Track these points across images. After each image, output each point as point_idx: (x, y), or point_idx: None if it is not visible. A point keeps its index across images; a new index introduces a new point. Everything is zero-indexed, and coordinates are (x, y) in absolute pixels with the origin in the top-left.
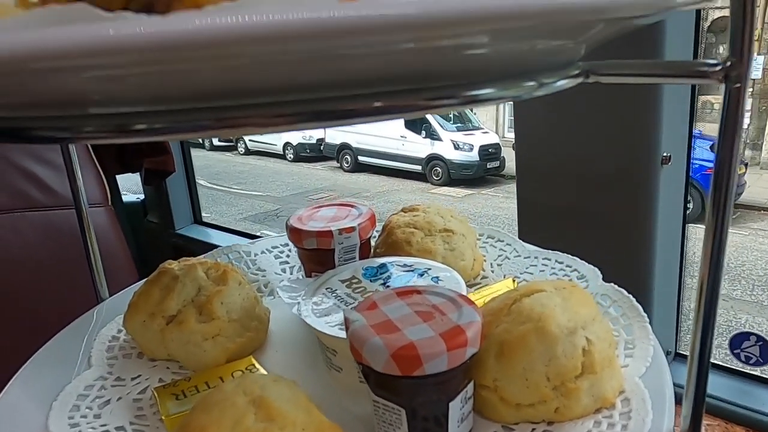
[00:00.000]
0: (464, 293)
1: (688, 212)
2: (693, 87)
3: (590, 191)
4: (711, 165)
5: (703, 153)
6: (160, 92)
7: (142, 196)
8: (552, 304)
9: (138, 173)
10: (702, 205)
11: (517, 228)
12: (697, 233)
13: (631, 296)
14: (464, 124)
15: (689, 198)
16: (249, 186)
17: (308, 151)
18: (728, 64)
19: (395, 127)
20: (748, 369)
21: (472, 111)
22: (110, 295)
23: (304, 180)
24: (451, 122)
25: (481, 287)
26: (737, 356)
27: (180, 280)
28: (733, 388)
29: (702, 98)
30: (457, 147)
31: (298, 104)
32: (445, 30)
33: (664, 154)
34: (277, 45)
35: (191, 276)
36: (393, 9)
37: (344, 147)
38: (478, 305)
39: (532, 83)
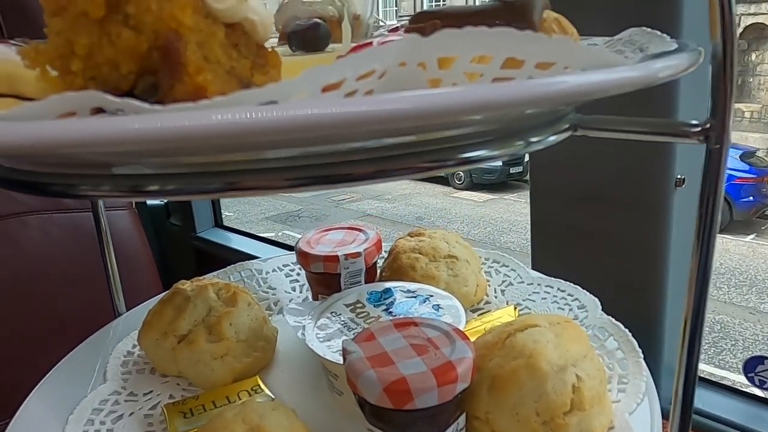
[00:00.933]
0: (463, 323)
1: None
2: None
3: (603, 214)
4: (740, 174)
5: (731, 162)
6: (174, 161)
7: (165, 200)
8: (544, 340)
9: None
10: (730, 214)
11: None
12: (723, 244)
13: (627, 330)
14: None
15: None
16: None
17: None
18: (708, 126)
19: None
20: (762, 393)
21: None
22: (130, 301)
23: None
24: None
25: (483, 312)
26: (751, 380)
27: (192, 300)
28: (747, 412)
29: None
30: None
31: (301, 169)
32: (437, 119)
33: (678, 176)
34: (289, 135)
35: (202, 297)
36: (391, 104)
37: None
38: (473, 337)
39: (521, 143)
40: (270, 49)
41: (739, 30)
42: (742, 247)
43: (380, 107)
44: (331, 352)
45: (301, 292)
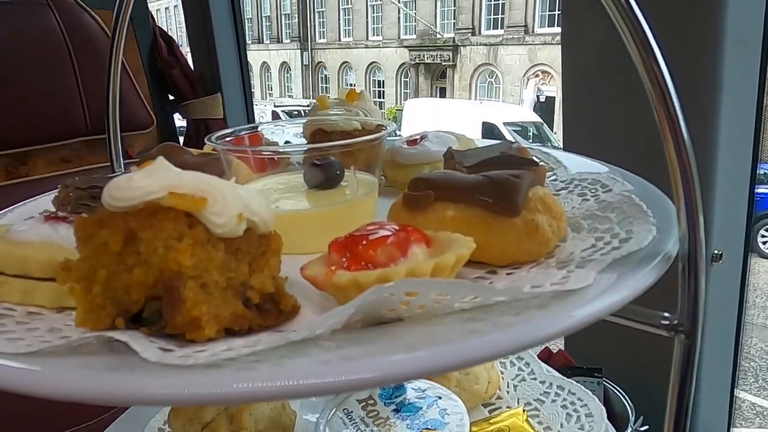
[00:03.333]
0: (467, 428)
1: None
2: (753, 173)
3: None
4: None
5: None
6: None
7: None
8: None
9: None
10: None
11: None
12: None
13: None
14: (543, 143)
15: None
16: None
17: None
18: (676, 322)
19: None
20: None
21: (552, 130)
22: None
23: None
24: (530, 140)
25: (494, 409)
26: None
27: None
28: None
29: None
30: None
31: None
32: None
33: (715, 252)
34: (293, 397)
35: None
36: (367, 372)
37: None
38: None
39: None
40: (272, 233)
41: None
42: None
43: (360, 375)
44: None
45: None
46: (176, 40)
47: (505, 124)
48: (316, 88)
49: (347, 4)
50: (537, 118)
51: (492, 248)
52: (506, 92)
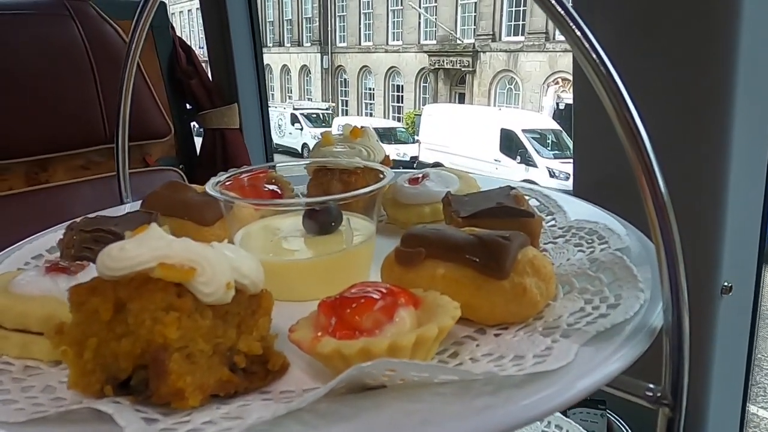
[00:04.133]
0: None
1: None
2: (765, 203)
3: None
4: None
5: None
6: None
7: None
8: None
9: None
10: None
11: None
12: None
13: None
14: (562, 151)
15: None
16: None
17: (401, 168)
18: (659, 395)
19: (490, 150)
20: None
21: (570, 137)
22: None
23: None
24: (549, 148)
25: None
26: None
27: None
28: None
29: None
30: (552, 175)
31: None
32: None
33: (725, 284)
34: None
35: None
36: None
37: (437, 166)
38: None
39: None
40: (263, 292)
41: None
42: None
43: None
44: None
45: None
46: (195, 44)
47: (523, 131)
48: (335, 91)
49: (368, 9)
50: (556, 126)
51: (481, 308)
52: (526, 99)
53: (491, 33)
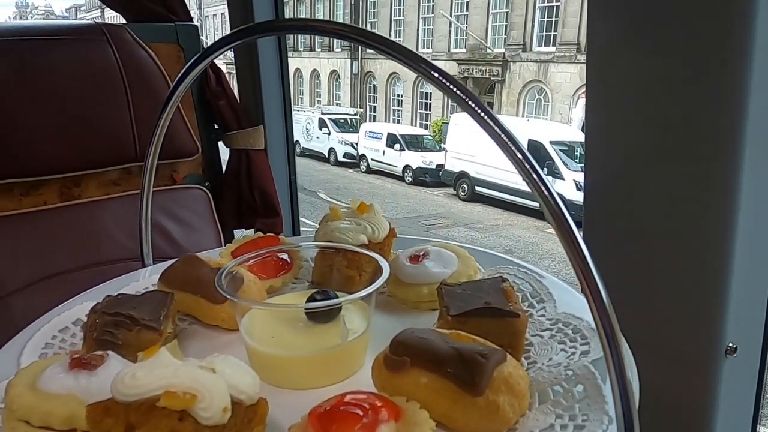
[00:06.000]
0: None
1: None
2: None
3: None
4: None
5: None
6: None
7: None
8: None
9: (252, 229)
10: None
11: None
12: None
13: None
14: None
15: None
16: None
17: (427, 176)
18: None
19: None
20: None
21: None
22: None
23: (419, 204)
24: (577, 161)
25: None
26: None
27: None
28: None
29: None
30: (579, 188)
31: None
32: None
33: (729, 344)
34: None
35: None
36: None
37: (462, 176)
38: None
39: None
40: (259, 401)
41: None
42: None
43: None
44: None
45: None
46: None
47: (551, 143)
48: (364, 97)
49: (399, 16)
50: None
51: (457, 421)
52: (555, 110)
53: (522, 43)
